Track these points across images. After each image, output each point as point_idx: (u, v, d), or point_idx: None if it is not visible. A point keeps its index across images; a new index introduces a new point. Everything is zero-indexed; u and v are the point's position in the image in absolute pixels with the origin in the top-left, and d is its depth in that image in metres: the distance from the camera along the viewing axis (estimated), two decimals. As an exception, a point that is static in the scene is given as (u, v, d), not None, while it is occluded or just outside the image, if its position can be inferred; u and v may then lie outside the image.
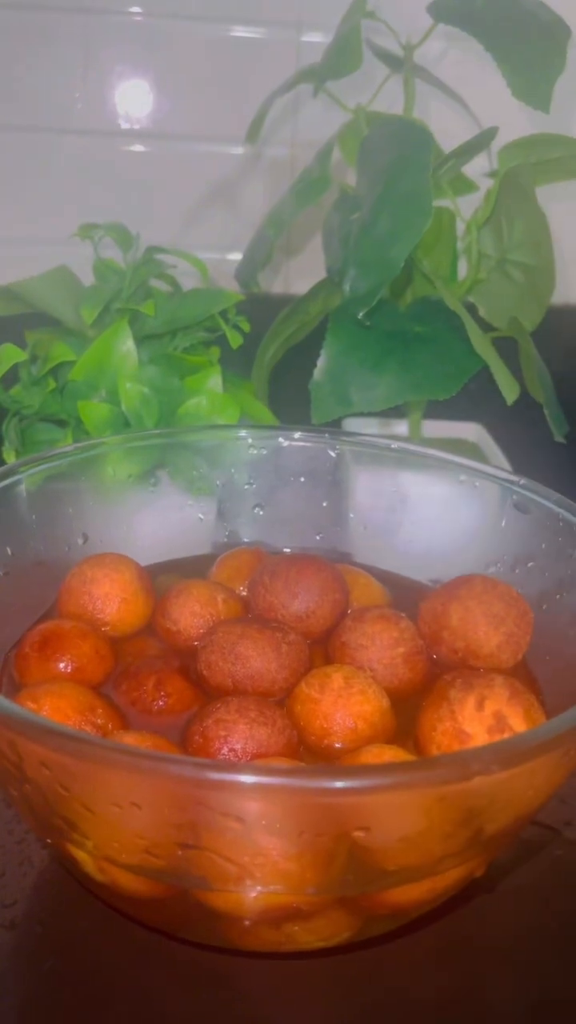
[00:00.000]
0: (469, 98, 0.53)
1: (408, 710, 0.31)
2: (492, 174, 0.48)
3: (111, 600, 0.33)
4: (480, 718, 0.27)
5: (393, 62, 0.51)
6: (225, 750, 0.27)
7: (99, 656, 0.32)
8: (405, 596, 0.38)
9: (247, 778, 0.20)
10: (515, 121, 0.49)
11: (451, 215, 0.49)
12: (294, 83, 0.51)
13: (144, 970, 0.28)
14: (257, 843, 0.22)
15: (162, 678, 0.31)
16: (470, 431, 0.63)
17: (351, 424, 0.61)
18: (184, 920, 0.27)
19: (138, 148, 0.70)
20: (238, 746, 0.27)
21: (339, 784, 0.20)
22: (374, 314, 0.42)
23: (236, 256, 0.58)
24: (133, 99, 0.69)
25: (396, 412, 0.51)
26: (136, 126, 0.70)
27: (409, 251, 0.39)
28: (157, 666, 0.31)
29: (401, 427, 0.61)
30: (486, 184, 0.50)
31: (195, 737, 0.28)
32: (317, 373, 0.44)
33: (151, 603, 0.35)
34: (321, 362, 0.44)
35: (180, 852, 0.22)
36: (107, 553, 0.35)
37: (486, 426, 0.63)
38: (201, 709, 0.29)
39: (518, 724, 0.27)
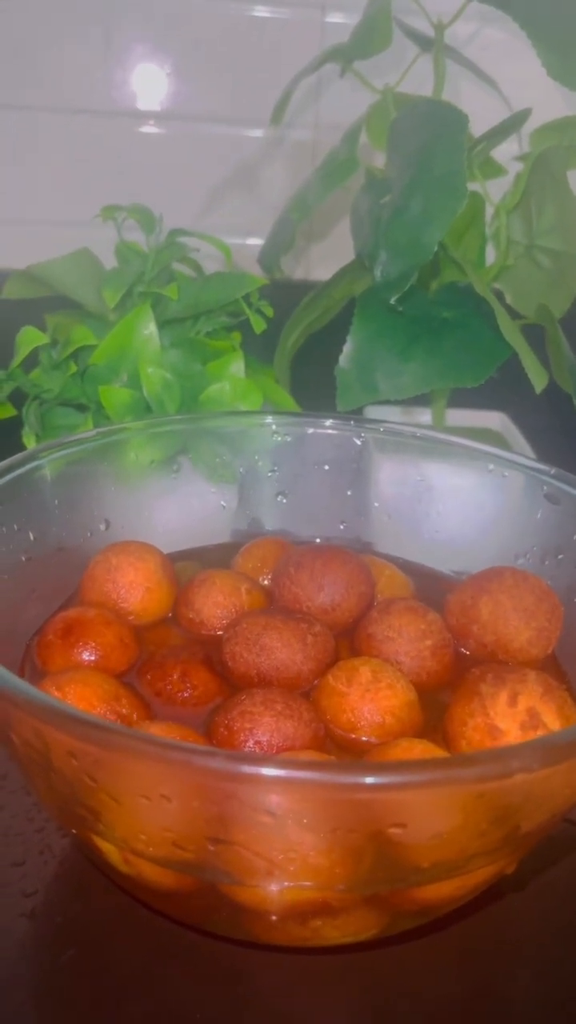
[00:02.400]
0: (500, 80, 0.52)
1: (434, 703, 0.30)
2: (522, 157, 0.47)
3: (135, 589, 0.33)
4: (513, 714, 0.27)
5: (423, 42, 0.50)
6: (251, 743, 0.27)
7: (123, 645, 0.31)
8: (429, 587, 0.37)
9: (287, 773, 0.19)
10: (546, 104, 0.48)
11: (480, 199, 0.48)
12: (320, 62, 0.50)
13: (164, 963, 0.28)
14: (288, 838, 0.21)
15: (188, 669, 0.30)
16: (494, 420, 0.62)
17: (372, 412, 0.60)
18: (209, 913, 0.26)
19: (158, 130, 0.70)
20: (264, 739, 0.27)
21: (383, 780, 0.19)
22: (403, 300, 0.41)
23: (255, 241, 0.57)
24: (153, 80, 0.68)
25: (419, 400, 0.51)
26: (156, 107, 0.69)
27: (442, 234, 0.38)
28: (183, 656, 0.31)
29: (424, 416, 0.60)
30: (515, 168, 0.49)
31: (220, 729, 0.27)
32: (343, 359, 0.43)
33: (174, 592, 0.35)
34: (347, 348, 0.43)
35: (210, 846, 0.22)
36: (131, 541, 0.35)
37: (510, 415, 0.62)
38: (226, 701, 0.29)
39: (552, 721, 0.27)
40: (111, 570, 0.33)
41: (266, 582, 0.36)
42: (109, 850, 0.25)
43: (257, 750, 0.27)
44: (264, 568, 0.37)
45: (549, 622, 0.32)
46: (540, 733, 0.26)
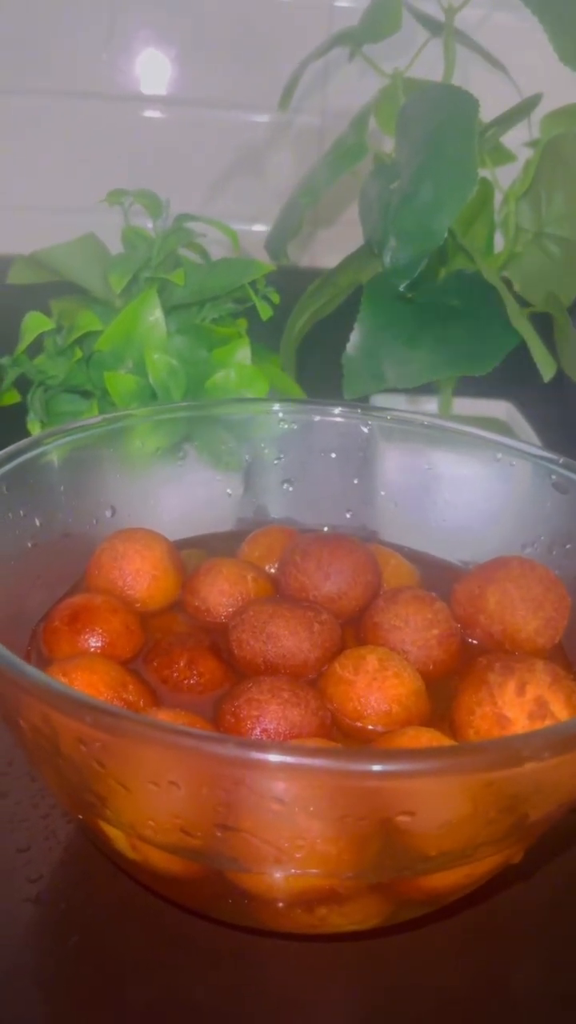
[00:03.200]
0: (510, 65, 0.51)
1: (441, 692, 0.30)
2: (532, 144, 0.47)
3: (142, 576, 0.33)
4: (521, 703, 0.27)
5: (433, 26, 0.49)
6: (257, 730, 0.27)
7: (129, 632, 0.31)
8: (436, 576, 0.37)
9: (297, 760, 0.19)
10: (557, 90, 0.47)
11: (489, 186, 0.48)
12: (329, 46, 0.50)
13: (169, 949, 0.28)
14: (296, 826, 0.21)
15: (194, 656, 0.30)
16: (501, 409, 0.61)
17: (379, 400, 0.59)
18: (215, 900, 0.26)
19: (164, 115, 0.69)
20: (271, 726, 0.27)
21: (393, 767, 0.19)
22: (411, 287, 0.41)
23: (262, 227, 0.56)
24: (159, 64, 0.68)
25: (426, 389, 0.50)
26: (162, 92, 0.68)
27: (452, 220, 0.38)
28: (189, 644, 0.31)
29: (431, 404, 0.60)
30: (524, 155, 0.49)
31: (227, 716, 0.27)
32: (350, 347, 0.43)
33: (180, 580, 0.35)
34: (354, 336, 0.43)
35: (218, 833, 0.22)
36: (137, 528, 0.35)
37: (517, 404, 0.62)
38: (233, 688, 0.29)
39: (560, 710, 0.26)
40: (117, 557, 0.33)
41: (272, 570, 0.36)
42: (116, 836, 0.25)
43: (263, 738, 0.27)
44: (270, 556, 0.37)
45: (556, 612, 0.32)
46: (548, 722, 0.26)
